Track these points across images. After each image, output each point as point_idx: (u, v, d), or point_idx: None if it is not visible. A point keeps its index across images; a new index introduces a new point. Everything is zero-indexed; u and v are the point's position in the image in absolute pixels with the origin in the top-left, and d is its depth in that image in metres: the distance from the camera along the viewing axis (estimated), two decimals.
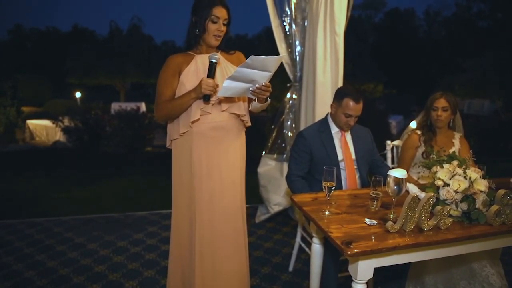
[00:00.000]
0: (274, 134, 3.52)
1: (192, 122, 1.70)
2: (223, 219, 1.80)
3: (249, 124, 1.87)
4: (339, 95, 2.09)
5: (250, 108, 1.83)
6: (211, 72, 1.61)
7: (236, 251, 1.85)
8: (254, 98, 1.71)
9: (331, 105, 2.15)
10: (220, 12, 1.67)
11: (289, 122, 3.41)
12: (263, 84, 1.60)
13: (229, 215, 1.82)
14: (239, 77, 1.54)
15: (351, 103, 2.01)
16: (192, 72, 1.71)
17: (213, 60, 1.61)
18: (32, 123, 9.48)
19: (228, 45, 1.85)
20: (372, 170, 2.25)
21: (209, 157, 1.76)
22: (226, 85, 1.55)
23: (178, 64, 1.74)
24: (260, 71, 1.53)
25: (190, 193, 1.79)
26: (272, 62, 1.51)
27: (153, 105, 1.79)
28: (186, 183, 1.81)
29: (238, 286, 1.88)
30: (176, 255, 1.90)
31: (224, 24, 1.72)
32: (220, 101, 1.71)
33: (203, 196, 1.76)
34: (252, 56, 1.46)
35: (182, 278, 1.90)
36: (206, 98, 1.62)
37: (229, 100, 1.73)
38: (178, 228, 1.88)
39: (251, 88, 1.61)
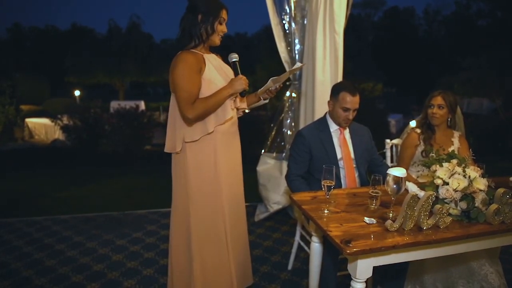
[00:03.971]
0: (273, 133, 3.52)
1: (226, 120, 1.77)
2: (239, 213, 1.92)
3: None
4: (335, 91, 2.11)
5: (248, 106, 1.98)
6: (237, 70, 1.77)
7: (245, 246, 2.00)
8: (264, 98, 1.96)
9: (328, 102, 2.15)
10: (226, 14, 1.76)
11: (288, 121, 3.41)
12: (277, 87, 1.87)
13: (242, 209, 1.95)
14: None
15: (348, 96, 2.02)
16: (215, 70, 1.76)
17: (235, 60, 1.78)
18: (31, 121, 9.46)
19: (227, 44, 1.91)
20: (371, 169, 2.25)
21: (230, 153, 1.85)
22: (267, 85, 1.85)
23: (198, 62, 1.70)
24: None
25: (215, 190, 1.80)
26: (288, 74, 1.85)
27: (183, 106, 1.65)
28: (208, 181, 1.79)
29: (241, 278, 1.94)
30: (180, 251, 1.91)
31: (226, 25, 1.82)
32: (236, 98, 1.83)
33: (228, 191, 1.83)
34: (273, 78, 1.79)
35: (183, 275, 1.91)
36: (243, 94, 1.77)
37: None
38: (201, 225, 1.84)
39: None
